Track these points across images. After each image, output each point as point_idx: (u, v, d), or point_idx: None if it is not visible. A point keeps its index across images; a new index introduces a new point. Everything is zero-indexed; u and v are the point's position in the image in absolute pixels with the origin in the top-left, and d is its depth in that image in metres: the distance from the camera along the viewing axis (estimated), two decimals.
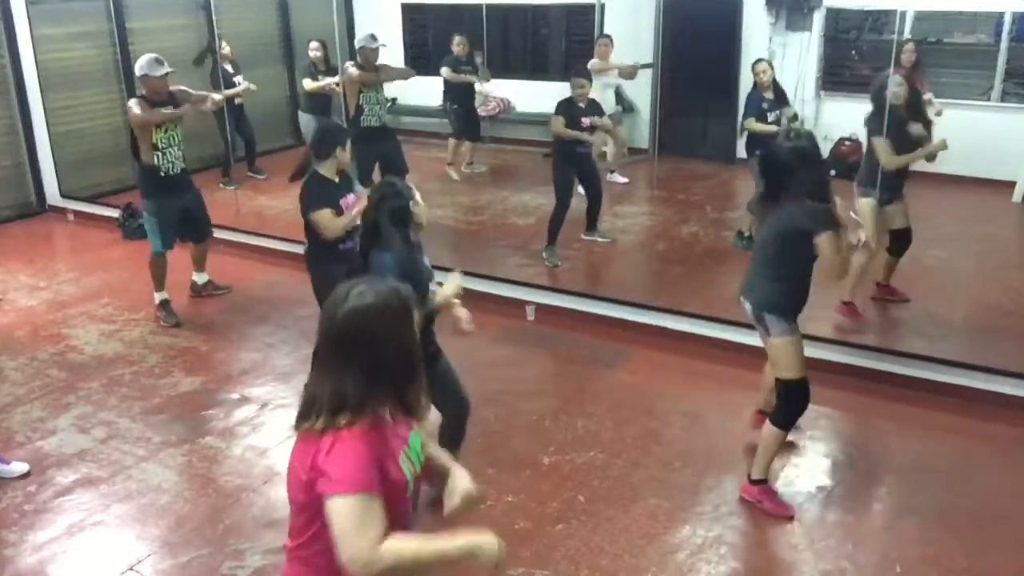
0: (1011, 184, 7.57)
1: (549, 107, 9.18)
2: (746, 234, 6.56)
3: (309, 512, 1.95)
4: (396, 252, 3.36)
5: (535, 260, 6.74)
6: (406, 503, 2.05)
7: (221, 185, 8.68)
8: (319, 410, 1.92)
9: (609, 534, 3.72)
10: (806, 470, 4.17)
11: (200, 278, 6.40)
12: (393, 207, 3.40)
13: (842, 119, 7.96)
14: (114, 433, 4.61)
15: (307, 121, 8.35)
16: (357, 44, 7.29)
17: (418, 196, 3.54)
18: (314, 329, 4.31)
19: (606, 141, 8.05)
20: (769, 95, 6.67)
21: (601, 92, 8.01)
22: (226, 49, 8.69)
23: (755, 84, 6.72)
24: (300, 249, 4.69)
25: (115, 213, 8.06)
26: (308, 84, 8.46)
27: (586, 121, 6.70)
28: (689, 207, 8.10)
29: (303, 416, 1.95)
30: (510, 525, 3.76)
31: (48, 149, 8.46)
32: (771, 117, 6.64)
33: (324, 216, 4.34)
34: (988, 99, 8.15)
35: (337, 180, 4.49)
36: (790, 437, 4.01)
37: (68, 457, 4.39)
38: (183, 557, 3.65)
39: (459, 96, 8.93)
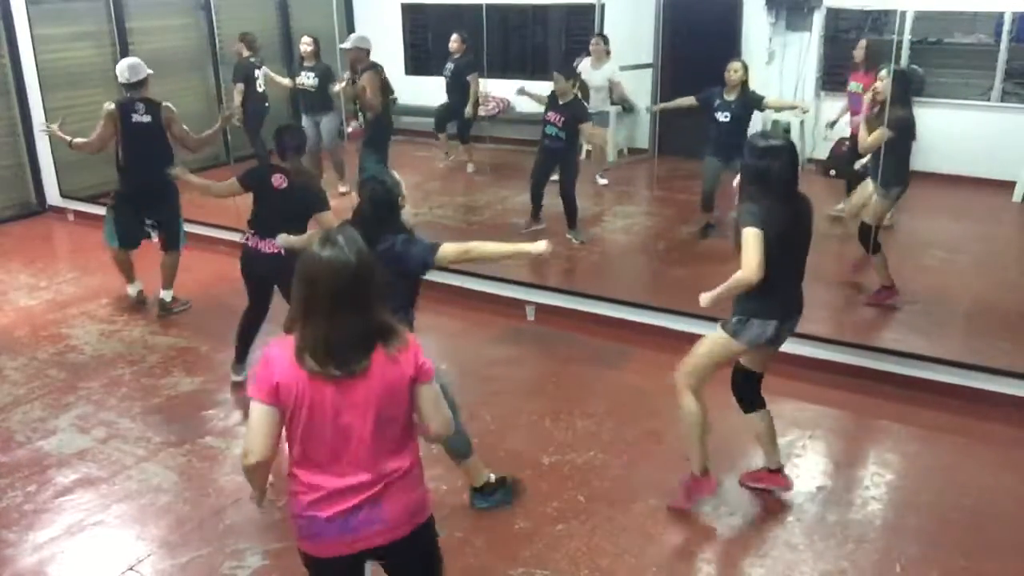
0: (1011, 184, 7.57)
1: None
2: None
3: (403, 419, 2.34)
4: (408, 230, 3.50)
5: (535, 260, 6.72)
6: None
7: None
8: (381, 338, 2.25)
9: (609, 534, 3.72)
10: (806, 470, 4.17)
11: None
12: (383, 201, 3.46)
13: (842, 119, 7.95)
14: (114, 433, 4.61)
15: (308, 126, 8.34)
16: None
17: (403, 188, 3.60)
18: None
19: (588, 143, 8.08)
20: (730, 96, 6.67)
21: (593, 93, 8.04)
22: (244, 49, 8.62)
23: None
24: (248, 230, 4.84)
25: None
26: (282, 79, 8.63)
27: (550, 116, 6.89)
28: (689, 207, 8.09)
29: (360, 357, 2.23)
30: (510, 525, 3.76)
31: (48, 149, 8.45)
32: (720, 117, 6.66)
33: (327, 217, 4.62)
34: (988, 99, 8.15)
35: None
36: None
37: (68, 457, 4.39)
38: (183, 557, 3.65)
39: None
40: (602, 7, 8.19)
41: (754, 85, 7.30)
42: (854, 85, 7.03)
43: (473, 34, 8.90)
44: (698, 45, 8.91)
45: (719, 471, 4.14)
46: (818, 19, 8.66)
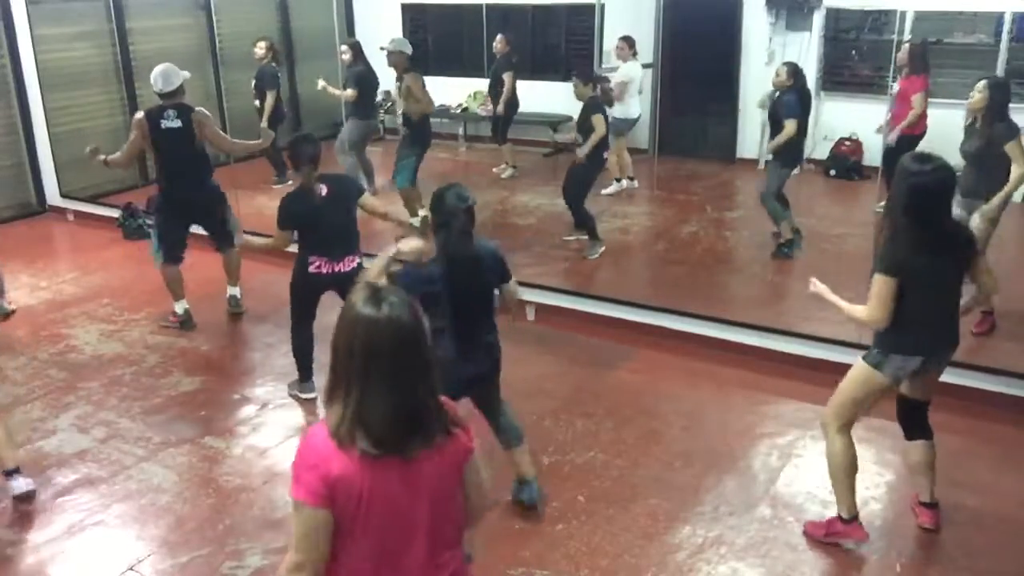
0: None
1: (549, 107, 9.22)
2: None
3: (458, 502, 2.05)
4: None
5: (535, 260, 6.74)
6: None
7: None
8: (436, 418, 1.94)
9: (609, 534, 3.72)
10: (806, 470, 4.17)
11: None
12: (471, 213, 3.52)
13: (842, 119, 7.96)
14: (114, 433, 4.61)
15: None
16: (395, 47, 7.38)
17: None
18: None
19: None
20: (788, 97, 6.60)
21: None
22: (257, 50, 8.56)
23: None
24: (319, 256, 4.66)
25: (115, 213, 8.06)
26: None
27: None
28: (689, 207, 8.10)
29: (426, 434, 1.91)
30: (510, 525, 3.76)
31: (48, 149, 8.47)
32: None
33: (368, 198, 4.84)
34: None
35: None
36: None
37: (68, 457, 4.39)
38: (183, 557, 3.65)
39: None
40: (602, 7, 8.17)
41: (754, 85, 7.32)
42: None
43: (473, 34, 8.90)
44: (698, 45, 8.92)
45: (719, 472, 4.15)
46: (818, 19, 8.65)
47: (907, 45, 7.12)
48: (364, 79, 8.11)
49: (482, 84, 9.36)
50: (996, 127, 5.11)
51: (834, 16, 8.85)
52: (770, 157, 6.71)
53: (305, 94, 9.47)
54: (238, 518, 3.90)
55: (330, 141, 8.48)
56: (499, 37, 8.81)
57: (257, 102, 8.64)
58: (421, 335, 1.90)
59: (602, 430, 4.53)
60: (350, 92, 7.94)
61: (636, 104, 8.24)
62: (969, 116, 5.34)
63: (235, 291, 6.08)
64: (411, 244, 3.46)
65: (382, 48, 7.39)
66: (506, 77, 8.79)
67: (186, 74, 5.66)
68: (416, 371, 1.89)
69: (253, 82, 8.62)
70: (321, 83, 8.33)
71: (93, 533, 3.84)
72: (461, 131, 10.52)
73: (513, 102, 8.90)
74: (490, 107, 9.69)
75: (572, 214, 6.92)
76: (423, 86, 7.19)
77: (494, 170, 9.19)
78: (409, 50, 7.34)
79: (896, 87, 6.93)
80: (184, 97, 5.61)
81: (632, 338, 5.54)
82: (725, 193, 8.86)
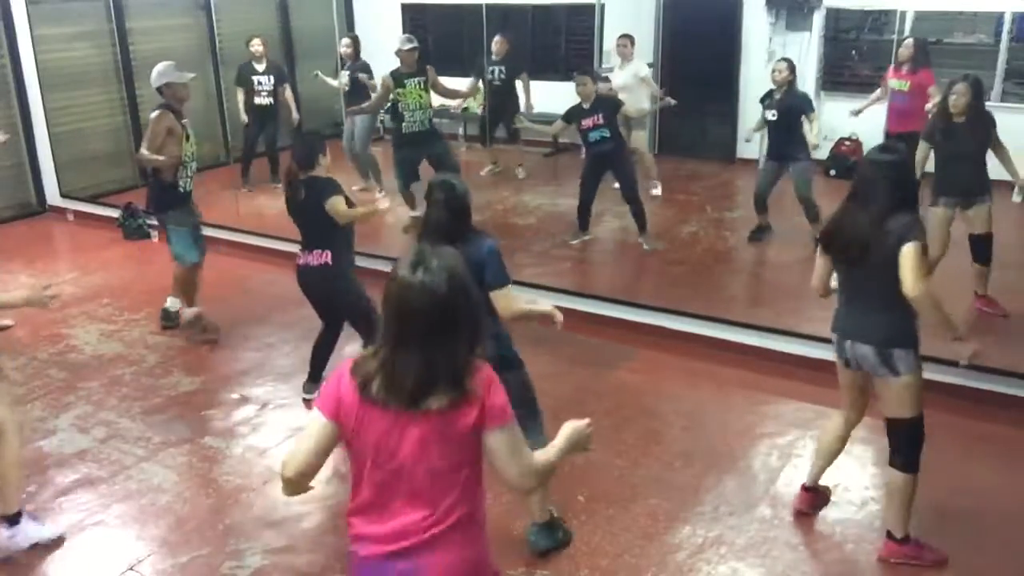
0: (1011, 184, 7.55)
1: (549, 107, 9.19)
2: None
3: (466, 468, 2.08)
4: (492, 237, 3.37)
5: (535, 260, 6.74)
6: None
7: (244, 189, 8.67)
8: (454, 379, 2.01)
9: (609, 534, 3.72)
10: (806, 470, 4.16)
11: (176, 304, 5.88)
12: (461, 204, 3.31)
13: (842, 119, 7.96)
14: (114, 433, 4.61)
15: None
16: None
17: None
18: (313, 328, 4.32)
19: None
20: (777, 94, 6.65)
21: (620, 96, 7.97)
22: (255, 46, 8.59)
23: None
24: (298, 249, 4.67)
25: (115, 213, 8.06)
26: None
27: (587, 123, 6.67)
28: (689, 207, 8.10)
29: (426, 394, 2.01)
30: (510, 525, 3.76)
31: (48, 149, 8.47)
32: (767, 115, 6.66)
33: (339, 203, 4.41)
34: (988, 99, 8.13)
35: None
36: (823, 481, 3.87)
37: (68, 457, 4.39)
38: (183, 557, 3.65)
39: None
40: (602, 7, 8.18)
41: (754, 85, 7.32)
42: (898, 83, 6.94)
43: (473, 34, 8.89)
44: (698, 45, 8.93)
45: (719, 472, 4.15)
46: (818, 19, 8.65)
47: (910, 40, 7.12)
48: (370, 75, 8.21)
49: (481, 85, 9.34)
50: (984, 123, 5.27)
51: (834, 16, 8.85)
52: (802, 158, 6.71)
53: (306, 93, 9.46)
54: (238, 518, 3.90)
55: (331, 140, 8.50)
56: (498, 38, 8.79)
57: (267, 100, 8.66)
58: (457, 303, 2.00)
59: (602, 430, 4.51)
60: (378, 81, 7.73)
61: (646, 97, 8.25)
62: (940, 120, 5.39)
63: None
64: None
65: (401, 48, 7.39)
66: (522, 79, 8.80)
67: (190, 75, 5.61)
68: (442, 337, 1.99)
69: (270, 78, 8.69)
70: (318, 74, 8.47)
71: (93, 533, 3.84)
72: (461, 131, 10.52)
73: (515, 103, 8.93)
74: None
75: (640, 210, 6.90)
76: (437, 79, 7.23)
77: (482, 173, 9.20)
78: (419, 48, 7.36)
79: (904, 84, 6.91)
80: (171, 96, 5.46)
81: (632, 338, 5.54)
82: (725, 193, 8.86)
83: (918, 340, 3.34)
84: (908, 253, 3.14)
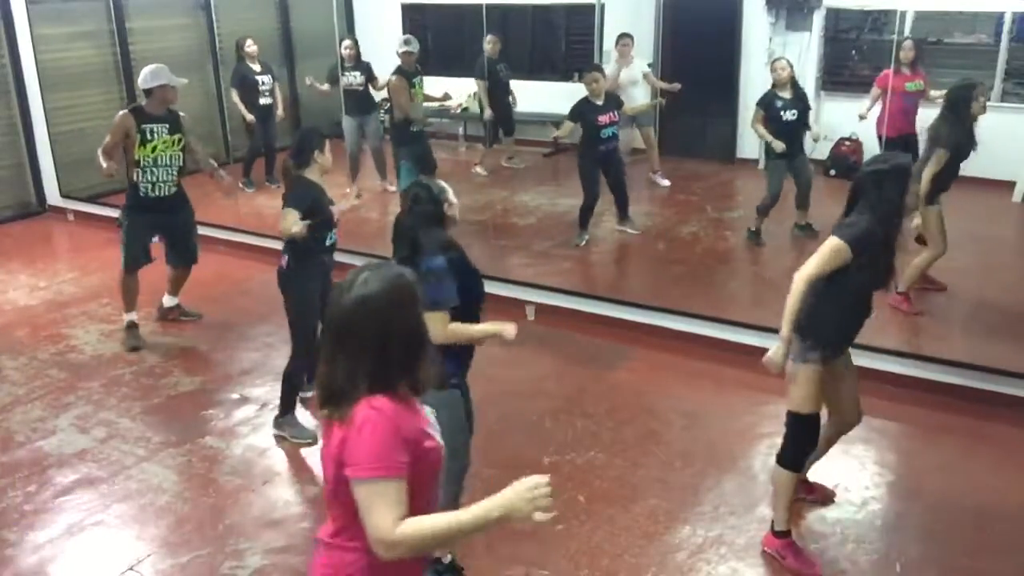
0: (1011, 184, 7.56)
1: (549, 107, 9.20)
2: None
3: (343, 497, 1.98)
4: (446, 254, 3.20)
5: (535, 260, 6.74)
6: (438, 472, 2.12)
7: (241, 185, 8.63)
8: (338, 398, 1.98)
9: (609, 534, 3.72)
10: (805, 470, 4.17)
11: (169, 301, 5.96)
12: (426, 211, 3.23)
13: (842, 119, 7.96)
14: (114, 433, 4.61)
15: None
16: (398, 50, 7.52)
17: (451, 194, 3.34)
18: None
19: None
20: (785, 94, 6.66)
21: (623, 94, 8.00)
22: (251, 47, 8.62)
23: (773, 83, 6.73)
24: None
25: (115, 213, 7.99)
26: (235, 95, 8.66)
27: (604, 119, 6.70)
28: (689, 207, 8.10)
29: (324, 404, 2.03)
30: (510, 525, 3.75)
31: (48, 149, 8.46)
32: (786, 116, 6.63)
33: (288, 214, 4.26)
34: (988, 99, 8.14)
35: (322, 184, 4.47)
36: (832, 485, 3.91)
37: (68, 457, 4.39)
38: (183, 557, 3.65)
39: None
40: (602, 7, 8.18)
41: (754, 85, 7.31)
42: (913, 84, 6.96)
43: (472, 34, 8.89)
44: (698, 45, 8.92)
45: (719, 472, 4.15)
46: (818, 19, 8.65)
47: (909, 41, 7.12)
48: (371, 76, 8.31)
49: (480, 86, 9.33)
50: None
51: (834, 16, 8.85)
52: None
53: (305, 94, 9.48)
54: (238, 518, 3.90)
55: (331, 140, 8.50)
56: (490, 37, 8.79)
57: (269, 100, 8.72)
58: (354, 319, 1.96)
59: (602, 430, 4.53)
60: (387, 80, 7.83)
61: (646, 94, 8.34)
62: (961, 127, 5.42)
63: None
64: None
65: (406, 50, 7.53)
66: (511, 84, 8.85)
67: (183, 80, 5.57)
68: (343, 353, 1.97)
69: (270, 78, 8.75)
70: (309, 80, 8.58)
71: (93, 533, 3.84)
72: (461, 131, 10.52)
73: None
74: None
75: (625, 197, 7.10)
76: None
77: (474, 170, 9.22)
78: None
79: (919, 84, 6.91)
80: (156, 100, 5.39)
81: (632, 338, 5.54)
82: (725, 193, 8.85)
83: (821, 335, 3.35)
84: (825, 243, 3.32)
